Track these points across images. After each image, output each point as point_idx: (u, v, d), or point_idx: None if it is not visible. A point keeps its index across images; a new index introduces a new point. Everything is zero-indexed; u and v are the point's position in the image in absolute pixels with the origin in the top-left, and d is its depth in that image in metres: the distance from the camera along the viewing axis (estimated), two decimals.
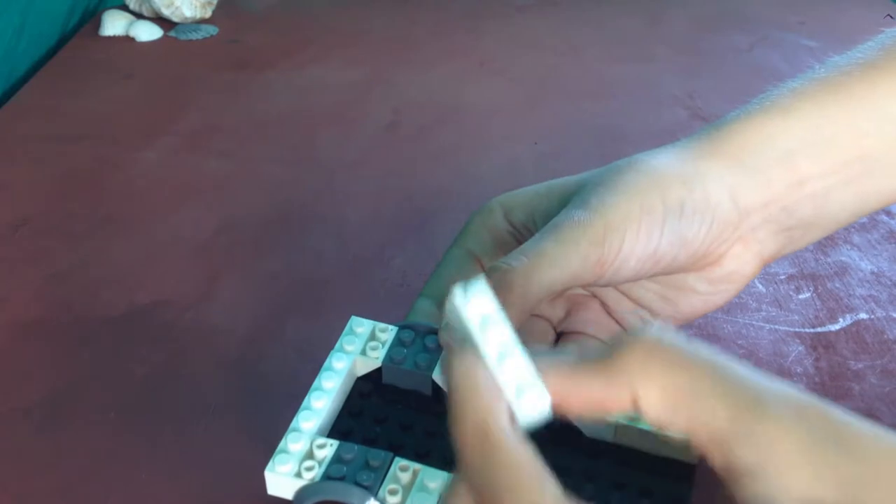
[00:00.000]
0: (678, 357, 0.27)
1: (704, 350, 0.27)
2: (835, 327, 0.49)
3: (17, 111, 0.76)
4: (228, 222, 0.60)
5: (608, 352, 0.27)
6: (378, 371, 0.38)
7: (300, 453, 0.35)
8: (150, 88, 0.81)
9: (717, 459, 0.26)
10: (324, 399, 0.37)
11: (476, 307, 0.28)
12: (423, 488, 0.33)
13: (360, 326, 0.39)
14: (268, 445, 0.42)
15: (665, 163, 0.37)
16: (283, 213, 0.61)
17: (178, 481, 0.41)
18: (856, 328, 0.49)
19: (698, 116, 0.72)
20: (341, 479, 0.34)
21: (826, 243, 0.56)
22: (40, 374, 0.47)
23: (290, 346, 0.48)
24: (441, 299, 0.35)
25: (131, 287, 0.54)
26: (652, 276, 0.38)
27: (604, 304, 0.41)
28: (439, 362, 0.37)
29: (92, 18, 0.94)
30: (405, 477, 0.34)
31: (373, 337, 0.39)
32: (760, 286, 0.52)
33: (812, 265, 0.54)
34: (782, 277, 0.53)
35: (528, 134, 0.71)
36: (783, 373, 0.46)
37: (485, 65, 0.83)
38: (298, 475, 0.34)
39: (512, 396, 0.27)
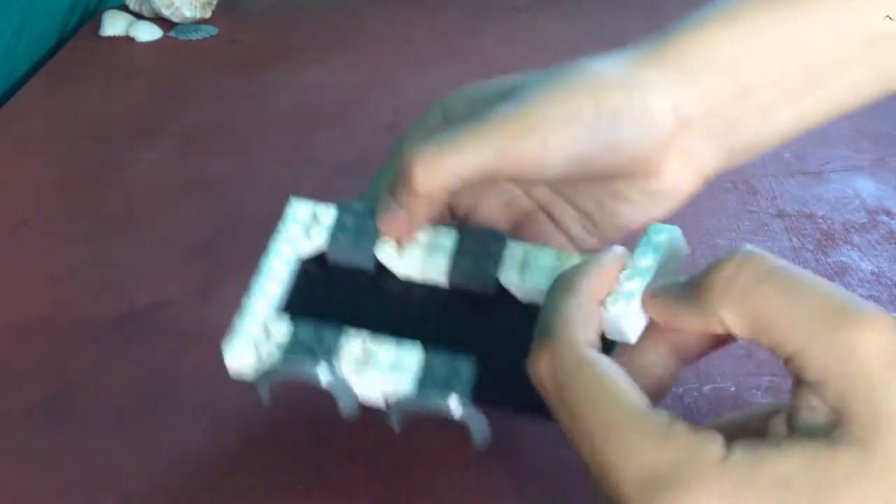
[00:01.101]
0: (757, 277, 0.26)
1: (787, 267, 0.26)
2: None
3: (17, 111, 0.76)
4: (228, 222, 0.60)
5: (696, 279, 0.27)
6: (322, 253, 0.39)
7: (258, 336, 0.36)
8: (149, 88, 0.81)
9: (796, 375, 0.25)
10: (273, 282, 0.38)
11: None
12: (376, 361, 0.35)
13: (302, 207, 0.40)
14: (267, 445, 0.42)
15: (606, 67, 0.36)
16: (282, 213, 0.61)
17: (177, 481, 0.41)
18: None
19: None
20: (299, 356, 0.35)
21: (826, 244, 0.56)
22: (40, 374, 0.47)
23: None
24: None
25: (131, 287, 0.54)
26: (585, 179, 0.37)
27: (550, 216, 0.41)
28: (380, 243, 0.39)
29: (92, 18, 0.94)
30: (356, 348, 0.35)
31: (315, 218, 0.40)
32: None
33: (812, 266, 0.54)
34: None
35: None
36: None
37: (485, 65, 0.83)
38: (258, 357, 0.36)
39: (610, 314, 0.30)
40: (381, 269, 0.39)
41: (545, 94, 0.36)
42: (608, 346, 0.31)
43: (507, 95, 0.37)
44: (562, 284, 0.30)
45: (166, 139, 0.71)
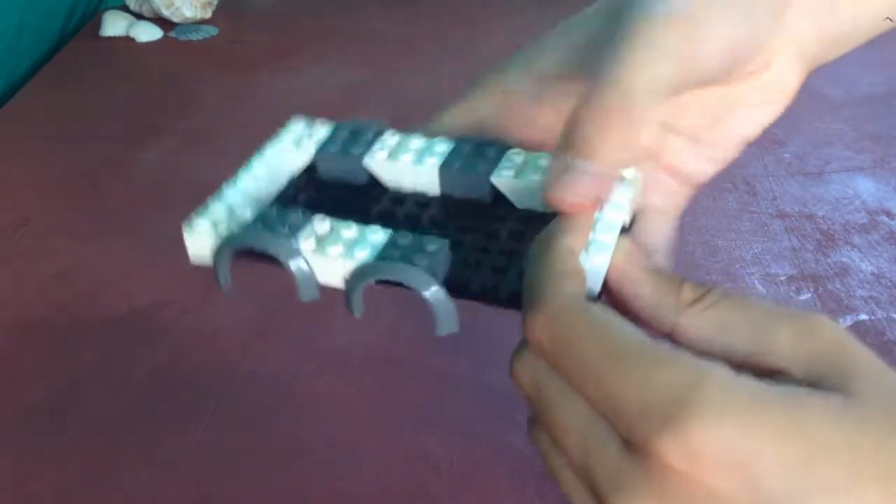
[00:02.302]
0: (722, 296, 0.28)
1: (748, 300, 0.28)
2: None
3: (17, 111, 0.76)
4: None
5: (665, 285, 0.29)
6: (313, 167, 0.37)
7: (220, 215, 0.34)
8: (150, 88, 0.81)
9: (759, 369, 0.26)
10: (250, 177, 0.36)
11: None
12: (339, 237, 0.33)
13: (298, 124, 0.38)
14: (268, 445, 0.42)
15: None
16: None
17: (178, 481, 0.41)
18: (856, 329, 0.49)
19: None
20: (257, 228, 0.33)
21: (826, 244, 0.56)
22: (40, 374, 0.47)
23: (289, 346, 0.48)
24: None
25: (131, 287, 0.54)
26: (701, 90, 0.33)
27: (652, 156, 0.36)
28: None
29: (92, 19, 0.94)
30: (321, 228, 0.33)
31: (308, 132, 0.38)
32: (761, 287, 0.52)
33: (812, 266, 0.54)
34: (783, 278, 0.53)
35: None
36: None
37: (485, 65, 0.83)
38: (216, 231, 0.34)
39: (591, 265, 0.29)
40: (371, 182, 0.37)
41: None
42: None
43: (620, 20, 0.32)
44: (542, 247, 0.29)
45: (166, 139, 0.71)
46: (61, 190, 0.64)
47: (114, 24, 0.90)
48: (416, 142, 0.36)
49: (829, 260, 0.54)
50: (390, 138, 0.37)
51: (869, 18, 0.36)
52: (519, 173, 0.34)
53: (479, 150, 0.35)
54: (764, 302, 0.27)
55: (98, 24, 0.91)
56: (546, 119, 0.36)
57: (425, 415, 0.43)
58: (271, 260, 0.33)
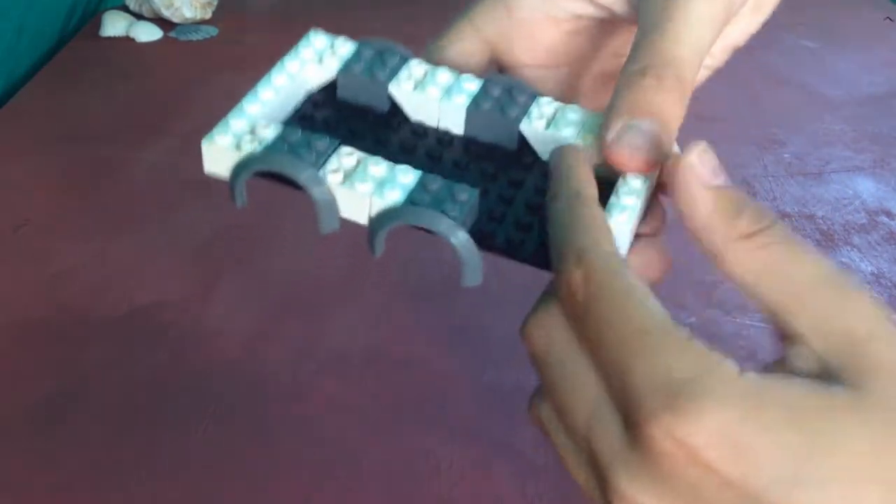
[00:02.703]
0: (779, 237, 0.27)
1: (794, 237, 0.27)
2: None
3: (17, 111, 0.76)
4: (228, 222, 0.60)
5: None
6: (332, 85, 0.36)
7: (242, 130, 0.33)
8: (150, 88, 0.81)
9: (783, 329, 0.26)
10: (271, 91, 0.35)
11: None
12: (367, 173, 0.32)
13: (319, 38, 0.37)
14: (268, 445, 0.42)
15: None
16: (283, 213, 0.61)
17: (177, 481, 0.41)
18: None
19: (698, 117, 0.72)
20: (282, 151, 0.32)
21: (826, 244, 0.56)
22: (40, 374, 0.47)
23: (290, 346, 0.48)
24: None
25: (131, 287, 0.54)
26: None
27: None
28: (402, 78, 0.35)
29: (92, 19, 0.94)
30: (349, 162, 0.32)
31: (331, 48, 0.36)
32: None
33: None
34: None
35: None
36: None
37: None
38: (238, 147, 0.33)
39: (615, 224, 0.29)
40: (392, 111, 0.35)
41: None
42: None
43: None
44: (573, 200, 0.29)
45: (166, 139, 0.71)
46: (61, 190, 0.64)
47: (114, 25, 0.90)
48: (444, 75, 0.35)
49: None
50: (417, 67, 0.35)
51: None
52: (549, 124, 0.34)
53: (509, 94, 0.34)
54: (819, 261, 0.26)
55: (98, 25, 0.91)
56: (550, 38, 0.36)
57: (425, 415, 0.43)
58: (292, 184, 0.32)
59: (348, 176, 0.32)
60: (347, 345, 0.48)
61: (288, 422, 0.44)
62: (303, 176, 0.31)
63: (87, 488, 0.40)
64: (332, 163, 0.32)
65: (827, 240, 0.56)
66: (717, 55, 0.36)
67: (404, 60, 0.36)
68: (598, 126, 0.32)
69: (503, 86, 0.34)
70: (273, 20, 0.95)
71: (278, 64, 0.35)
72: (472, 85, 0.34)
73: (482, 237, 0.31)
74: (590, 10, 0.36)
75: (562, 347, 0.27)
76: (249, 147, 0.33)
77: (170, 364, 0.48)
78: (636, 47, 0.32)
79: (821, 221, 0.58)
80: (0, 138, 0.71)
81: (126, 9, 0.94)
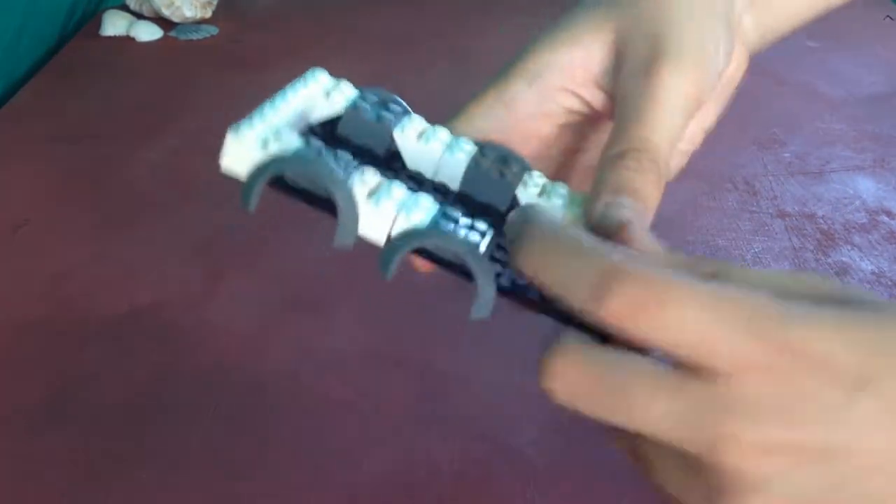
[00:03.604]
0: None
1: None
2: None
3: (17, 111, 0.76)
4: (228, 222, 0.60)
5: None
6: (334, 121, 0.37)
7: (266, 132, 0.33)
8: (150, 88, 0.81)
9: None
10: (288, 106, 0.35)
11: None
12: (391, 193, 0.32)
13: (323, 76, 0.38)
14: (268, 445, 0.42)
15: None
16: (282, 213, 0.61)
17: (177, 481, 0.41)
18: None
19: None
20: (310, 156, 0.32)
21: (826, 244, 0.56)
22: (40, 374, 0.47)
23: (290, 346, 0.48)
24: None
25: (131, 287, 0.54)
26: None
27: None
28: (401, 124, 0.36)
29: (92, 18, 0.94)
30: (372, 180, 0.33)
31: (336, 88, 0.37)
32: None
33: (813, 266, 0.54)
34: None
35: None
36: None
37: (485, 65, 0.83)
38: (264, 147, 0.32)
39: None
40: (390, 155, 0.36)
41: (692, 19, 0.37)
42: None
43: (626, 36, 0.38)
44: (549, 229, 0.29)
45: (166, 139, 0.71)
46: (61, 190, 0.64)
47: (114, 24, 0.90)
48: (444, 133, 0.36)
49: (829, 259, 0.54)
50: (418, 121, 0.37)
51: (802, 6, 0.42)
52: (542, 194, 0.36)
53: (505, 160, 0.36)
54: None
55: (98, 24, 0.91)
56: (543, 131, 0.40)
57: (425, 415, 0.43)
58: (307, 197, 0.32)
59: (373, 192, 0.32)
60: (347, 345, 0.48)
61: (287, 421, 0.44)
62: (335, 183, 0.32)
63: (88, 488, 0.40)
64: (357, 176, 0.32)
65: (827, 239, 0.56)
66: (693, 139, 0.40)
67: (406, 113, 0.37)
68: (583, 202, 0.35)
69: (499, 152, 0.36)
70: (273, 20, 0.95)
71: (286, 90, 0.36)
72: (469, 146, 0.36)
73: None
74: (577, 105, 0.39)
75: (609, 362, 0.27)
76: (276, 147, 0.33)
77: (170, 364, 0.48)
78: (615, 132, 0.35)
79: (821, 221, 0.58)
80: (0, 138, 0.71)
81: (126, 8, 0.94)
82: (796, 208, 0.59)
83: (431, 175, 0.36)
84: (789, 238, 0.56)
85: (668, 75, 0.35)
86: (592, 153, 0.41)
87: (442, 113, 0.74)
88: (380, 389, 0.45)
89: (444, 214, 0.32)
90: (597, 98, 0.39)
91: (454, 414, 0.44)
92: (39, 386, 0.46)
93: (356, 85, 0.37)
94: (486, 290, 0.31)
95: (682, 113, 0.36)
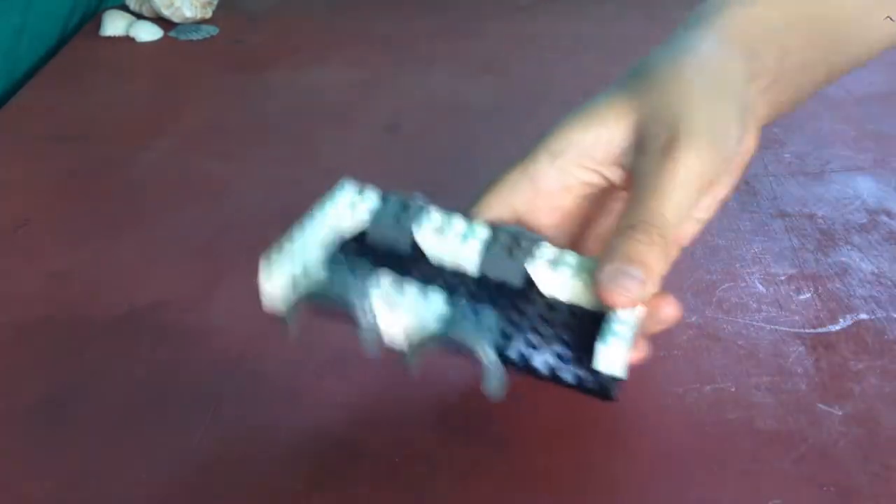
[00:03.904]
0: None
1: None
2: (835, 328, 0.49)
3: (17, 111, 0.76)
4: (228, 222, 0.60)
5: None
6: (361, 233, 0.41)
7: (294, 265, 0.38)
8: (150, 88, 0.81)
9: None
10: (312, 236, 0.40)
11: None
12: (405, 296, 0.37)
13: (350, 186, 0.42)
14: (268, 445, 0.42)
15: (715, 58, 0.42)
16: (283, 213, 0.61)
17: (178, 481, 0.41)
18: (856, 329, 0.49)
19: None
20: (335, 278, 0.37)
21: (826, 244, 0.56)
22: (40, 374, 0.47)
23: (289, 346, 0.48)
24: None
25: (131, 287, 0.54)
26: None
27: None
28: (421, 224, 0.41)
29: (92, 18, 0.94)
30: (388, 286, 0.37)
31: (360, 197, 0.42)
32: (761, 287, 0.52)
33: (812, 266, 0.54)
34: (782, 278, 0.53)
35: (527, 134, 0.71)
36: (783, 373, 0.46)
37: (485, 65, 0.83)
38: (294, 281, 0.38)
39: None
40: (414, 253, 0.41)
41: (712, 101, 0.41)
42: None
43: (641, 120, 0.41)
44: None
45: (166, 139, 0.71)
46: (61, 190, 0.64)
47: (114, 24, 0.90)
48: (459, 223, 0.41)
49: (829, 259, 0.54)
50: (435, 215, 0.41)
51: (808, 86, 0.45)
52: (551, 265, 0.40)
53: (516, 239, 0.40)
54: None
55: (98, 24, 0.91)
56: (565, 203, 0.43)
57: (425, 415, 0.43)
58: (339, 313, 0.37)
59: (390, 298, 0.37)
60: (347, 345, 0.48)
61: (288, 421, 0.44)
62: (356, 313, 0.37)
63: (88, 488, 0.40)
64: (374, 287, 0.37)
65: (827, 239, 0.56)
66: (708, 209, 0.43)
67: (425, 209, 0.41)
68: (593, 268, 0.39)
69: (510, 233, 0.41)
70: (273, 20, 0.95)
71: (318, 211, 0.41)
72: (483, 232, 0.40)
73: (500, 353, 0.37)
74: (595, 178, 0.42)
75: None
76: (304, 285, 0.38)
77: (170, 364, 0.48)
78: (631, 205, 0.39)
79: (821, 221, 0.58)
80: (0, 138, 0.71)
81: (126, 8, 0.94)
82: (796, 208, 0.59)
83: (451, 264, 0.41)
84: (789, 238, 0.56)
85: (682, 155, 0.38)
86: (609, 220, 0.44)
87: (442, 113, 0.74)
88: (380, 389, 0.45)
89: (453, 311, 0.37)
90: (615, 175, 0.42)
91: (454, 414, 0.44)
92: (39, 386, 0.46)
93: (380, 190, 0.42)
94: (496, 377, 0.36)
95: (694, 190, 0.39)
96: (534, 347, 0.37)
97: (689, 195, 0.39)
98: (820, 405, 0.44)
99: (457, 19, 0.94)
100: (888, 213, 0.59)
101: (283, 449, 0.42)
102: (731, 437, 0.42)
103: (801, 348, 0.47)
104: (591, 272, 0.39)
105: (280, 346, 0.49)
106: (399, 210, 0.41)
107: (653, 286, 0.38)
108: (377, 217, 0.41)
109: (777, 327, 0.49)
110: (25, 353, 0.49)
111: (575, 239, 0.45)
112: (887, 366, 0.46)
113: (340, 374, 0.46)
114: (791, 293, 0.52)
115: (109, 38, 0.89)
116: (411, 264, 0.40)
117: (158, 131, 0.72)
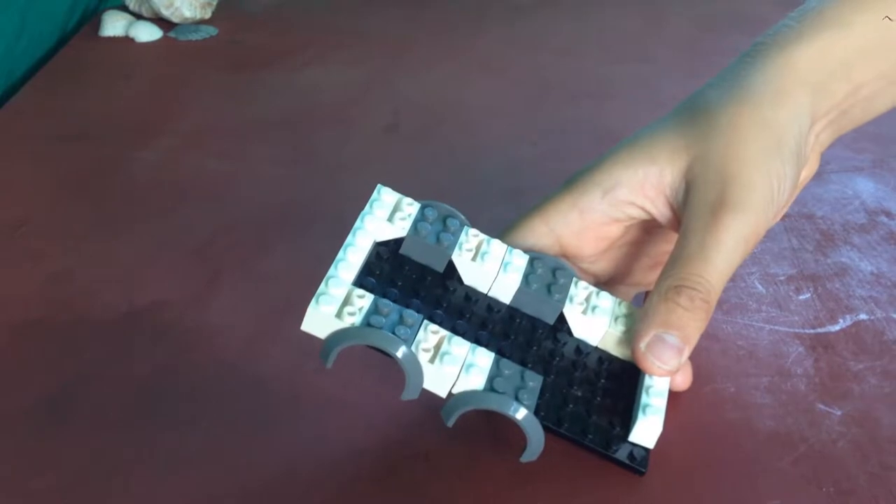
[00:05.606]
0: None
1: None
2: (835, 328, 0.49)
3: (17, 111, 0.76)
4: (228, 222, 0.60)
5: None
6: (397, 240, 0.41)
7: (341, 298, 0.37)
8: (150, 88, 0.81)
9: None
10: (358, 254, 0.39)
11: None
12: (452, 354, 0.37)
13: (388, 196, 0.42)
14: (268, 445, 0.42)
15: (776, 106, 0.41)
16: (283, 213, 0.61)
17: (178, 481, 0.41)
18: (855, 329, 0.49)
19: None
20: (381, 328, 0.36)
21: (826, 244, 0.56)
22: (40, 374, 0.47)
23: (290, 346, 0.48)
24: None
25: (131, 287, 0.54)
26: None
27: None
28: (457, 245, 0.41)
29: (92, 19, 0.94)
30: (434, 339, 0.37)
31: (399, 207, 0.41)
32: (760, 287, 0.52)
33: (812, 266, 0.54)
34: (782, 278, 0.53)
35: (528, 134, 0.71)
36: (783, 373, 0.46)
37: (485, 65, 0.83)
38: (339, 317, 0.37)
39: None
40: (448, 273, 0.41)
41: (762, 155, 0.40)
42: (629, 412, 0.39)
43: (689, 161, 0.41)
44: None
45: (166, 139, 0.71)
46: (61, 190, 0.64)
47: (113, 25, 0.90)
48: (498, 249, 0.41)
49: (828, 260, 0.54)
50: (473, 237, 0.41)
51: (872, 114, 0.45)
52: (586, 309, 0.41)
53: (553, 275, 0.41)
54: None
55: (98, 24, 0.91)
56: (612, 234, 0.44)
57: (425, 415, 0.43)
58: (380, 351, 0.37)
59: (437, 354, 0.37)
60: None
61: (288, 421, 0.44)
62: (399, 355, 0.36)
63: (87, 488, 0.41)
64: (421, 338, 0.37)
65: (827, 240, 0.56)
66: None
67: (463, 227, 0.41)
68: (626, 317, 0.41)
69: (548, 265, 0.41)
70: (273, 20, 0.95)
71: (360, 224, 0.40)
72: (520, 261, 0.41)
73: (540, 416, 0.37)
74: (643, 215, 0.43)
75: None
76: (349, 317, 0.37)
77: (170, 364, 0.48)
78: (675, 261, 0.39)
79: (820, 221, 0.58)
80: (0, 138, 0.71)
81: (126, 9, 0.94)
82: (796, 209, 0.59)
83: (485, 290, 0.41)
84: (789, 238, 0.56)
85: (732, 222, 0.38)
86: (653, 252, 0.45)
87: (442, 113, 0.74)
88: (380, 389, 0.45)
89: (498, 372, 0.37)
90: (663, 214, 0.42)
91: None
92: (39, 386, 0.46)
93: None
94: (535, 442, 0.37)
95: (740, 255, 0.39)
96: (568, 410, 0.38)
97: (735, 260, 0.39)
98: (819, 405, 0.44)
99: (456, 19, 0.94)
100: (887, 214, 0.59)
101: (283, 449, 0.42)
102: (731, 438, 0.42)
103: (801, 349, 0.47)
104: (626, 322, 0.41)
105: (280, 346, 0.49)
106: (438, 227, 0.41)
107: (689, 353, 0.39)
108: (416, 232, 0.41)
109: (776, 327, 0.49)
110: (25, 353, 0.49)
111: (618, 267, 0.46)
112: (886, 366, 0.46)
113: (340, 374, 0.46)
114: (790, 293, 0.52)
115: (109, 38, 0.89)
116: (445, 285, 0.40)
117: (158, 131, 0.72)
